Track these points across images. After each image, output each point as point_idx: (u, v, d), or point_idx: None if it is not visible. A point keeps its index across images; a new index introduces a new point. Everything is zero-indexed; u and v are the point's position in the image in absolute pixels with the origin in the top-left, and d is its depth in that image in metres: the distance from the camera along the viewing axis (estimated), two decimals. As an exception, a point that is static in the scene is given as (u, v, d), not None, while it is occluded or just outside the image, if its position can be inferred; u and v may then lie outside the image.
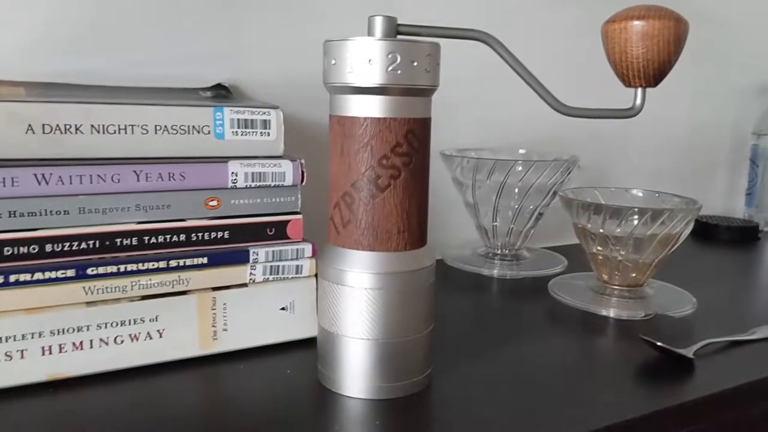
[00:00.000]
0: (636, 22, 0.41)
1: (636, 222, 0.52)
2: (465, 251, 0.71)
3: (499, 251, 0.70)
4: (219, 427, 0.37)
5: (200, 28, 0.58)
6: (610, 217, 0.53)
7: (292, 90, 0.62)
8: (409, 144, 0.38)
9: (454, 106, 0.72)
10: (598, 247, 0.55)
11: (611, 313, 0.54)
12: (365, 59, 0.36)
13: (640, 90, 0.43)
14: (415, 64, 0.37)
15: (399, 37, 0.39)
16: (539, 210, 0.67)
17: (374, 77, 0.36)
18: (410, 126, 0.38)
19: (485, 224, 0.68)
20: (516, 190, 0.65)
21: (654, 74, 0.42)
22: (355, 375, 0.40)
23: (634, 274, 0.56)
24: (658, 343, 0.46)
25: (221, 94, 0.56)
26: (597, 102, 0.52)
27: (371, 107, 0.37)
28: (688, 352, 0.46)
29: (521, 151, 0.73)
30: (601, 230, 0.54)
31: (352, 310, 0.39)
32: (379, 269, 0.39)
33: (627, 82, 0.43)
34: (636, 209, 0.52)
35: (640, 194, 0.61)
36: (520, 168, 0.63)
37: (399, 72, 0.36)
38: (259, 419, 0.38)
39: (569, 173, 0.65)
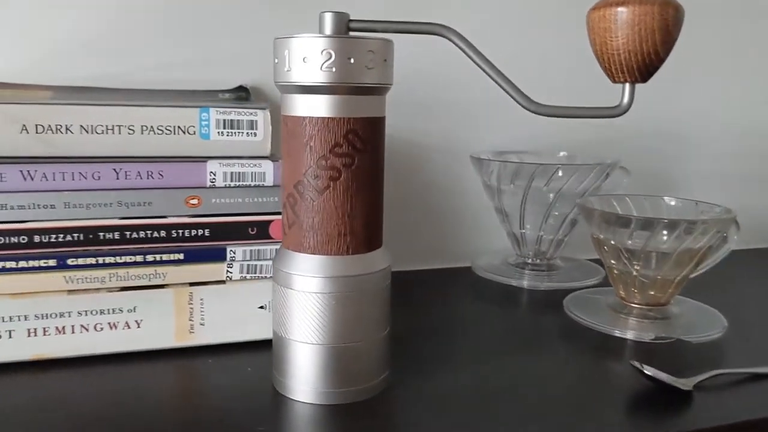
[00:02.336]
0: (616, 9, 0.37)
1: (647, 234, 0.47)
2: (495, 260, 0.68)
3: (530, 260, 0.66)
4: (157, 416, 0.38)
5: (224, 32, 0.60)
6: (621, 227, 0.48)
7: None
8: (349, 144, 0.37)
9: (489, 106, 0.69)
10: (612, 261, 0.51)
11: (625, 334, 0.49)
12: (300, 57, 0.36)
13: (627, 86, 0.39)
14: (352, 61, 0.36)
15: (351, 33, 0.38)
16: (572, 216, 0.62)
17: (309, 75, 0.36)
18: (351, 126, 0.37)
19: (515, 231, 0.65)
20: (547, 196, 0.61)
21: (639, 68, 0.38)
22: (301, 379, 0.40)
23: (652, 292, 0.50)
24: (646, 371, 0.41)
25: (241, 96, 0.58)
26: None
27: (309, 106, 0.37)
28: (688, 382, 0.41)
29: (562, 153, 0.68)
30: (612, 242, 0.49)
31: (299, 314, 0.39)
32: (322, 273, 0.38)
33: (612, 77, 0.39)
34: (643, 220, 0.47)
35: (673, 203, 0.54)
36: (560, 173, 0.59)
37: (333, 70, 0.36)
38: (199, 414, 0.38)
39: (606, 177, 0.61)
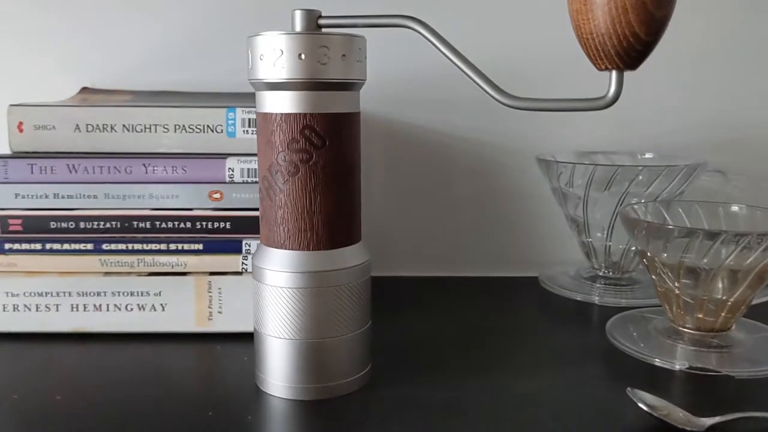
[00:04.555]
0: (588, -12, 0.32)
1: (684, 245, 0.40)
2: (568, 271, 0.62)
3: (602, 273, 0.59)
4: (145, 395, 0.41)
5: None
6: (656, 237, 0.42)
7: (380, 91, 0.62)
8: (306, 140, 0.37)
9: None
10: (653, 276, 0.44)
11: (668, 363, 0.42)
12: (258, 55, 0.37)
13: (614, 74, 0.34)
14: (303, 57, 0.35)
15: (324, 30, 0.38)
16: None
17: (265, 73, 0.36)
18: (307, 122, 0.36)
19: (584, 240, 0.59)
20: (611, 201, 0.54)
21: (618, 53, 0.32)
22: (275, 374, 0.40)
23: (700, 315, 0.42)
24: (641, 405, 0.35)
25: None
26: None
27: (270, 103, 0.37)
28: (701, 423, 0.34)
29: (648, 155, 0.60)
30: (649, 253, 0.43)
31: (270, 309, 0.40)
32: (287, 268, 0.38)
33: (595, 63, 0.34)
34: (679, 229, 0.40)
35: (745, 211, 0.45)
36: (640, 177, 0.52)
37: (284, 67, 0.36)
38: (184, 398, 0.41)
39: (685, 181, 0.53)
